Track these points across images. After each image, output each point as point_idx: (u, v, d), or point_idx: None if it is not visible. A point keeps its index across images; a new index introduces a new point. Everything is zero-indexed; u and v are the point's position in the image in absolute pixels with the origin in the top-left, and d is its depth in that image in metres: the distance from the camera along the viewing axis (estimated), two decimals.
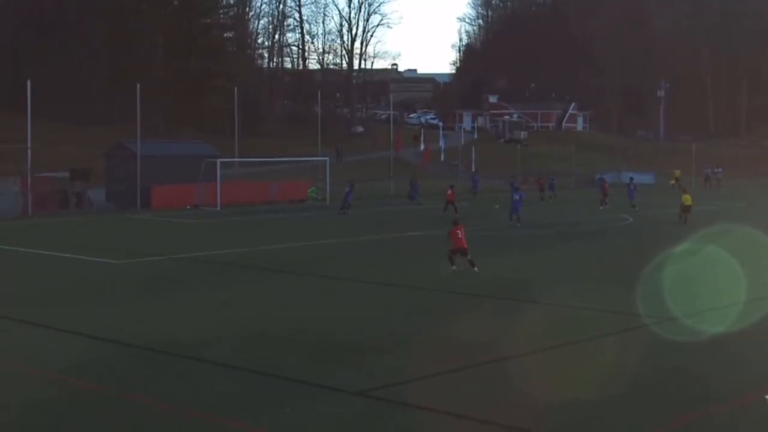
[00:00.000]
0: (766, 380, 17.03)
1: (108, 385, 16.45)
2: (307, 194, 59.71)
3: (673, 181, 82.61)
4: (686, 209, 46.94)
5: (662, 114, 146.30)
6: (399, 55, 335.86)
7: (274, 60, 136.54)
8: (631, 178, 62.32)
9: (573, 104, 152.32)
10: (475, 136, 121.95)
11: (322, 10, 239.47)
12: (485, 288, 27.09)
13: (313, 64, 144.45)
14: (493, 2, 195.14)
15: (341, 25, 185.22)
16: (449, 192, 52.75)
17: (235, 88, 75.72)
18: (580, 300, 24.88)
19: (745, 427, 14.40)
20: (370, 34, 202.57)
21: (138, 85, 59.39)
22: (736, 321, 21.76)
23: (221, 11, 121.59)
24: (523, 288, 27.02)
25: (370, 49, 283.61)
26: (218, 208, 55.89)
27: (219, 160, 59.24)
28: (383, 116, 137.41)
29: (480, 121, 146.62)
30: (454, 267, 29.97)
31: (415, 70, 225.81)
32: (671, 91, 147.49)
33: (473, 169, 76.34)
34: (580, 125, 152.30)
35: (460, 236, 30.34)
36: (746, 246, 36.70)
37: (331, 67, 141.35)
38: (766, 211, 57.26)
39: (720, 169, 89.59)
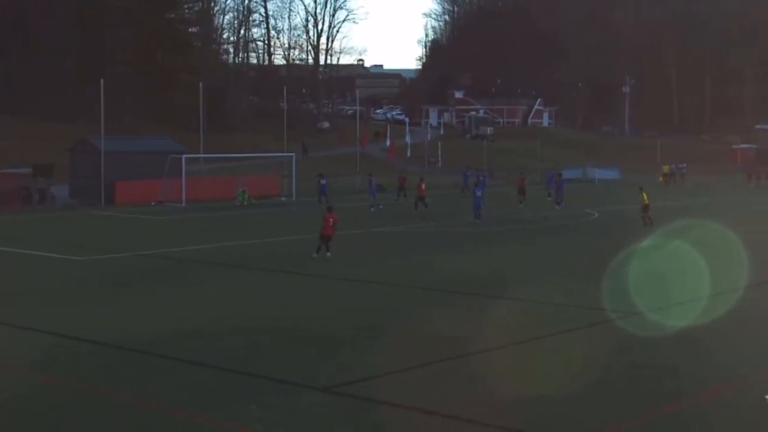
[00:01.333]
0: (733, 374, 17.12)
1: (77, 383, 16.34)
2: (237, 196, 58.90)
3: (661, 178, 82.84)
4: (646, 208, 45.22)
5: (627, 109, 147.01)
6: (365, 50, 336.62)
7: (240, 55, 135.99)
8: (560, 174, 60.85)
9: (539, 100, 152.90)
10: (441, 132, 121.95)
11: (288, 5, 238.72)
12: (453, 284, 27.11)
13: (278, 60, 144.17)
14: None
15: (307, 21, 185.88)
16: (423, 186, 52.24)
17: (201, 84, 75.43)
18: (547, 295, 24.96)
19: (713, 421, 14.47)
20: (336, 29, 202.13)
21: (102, 80, 58.97)
22: (701, 315, 21.90)
23: (186, 6, 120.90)
24: (491, 283, 27.07)
25: (336, 45, 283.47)
26: (183, 204, 55.62)
27: (184, 156, 58.94)
28: (349, 112, 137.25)
29: (446, 117, 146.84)
30: (314, 255, 31.41)
31: (382, 66, 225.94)
32: (636, 87, 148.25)
33: (467, 166, 75.47)
34: (545, 121, 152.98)
35: (331, 223, 31.59)
36: (711, 241, 36.93)
37: (297, 62, 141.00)
38: (730, 206, 57.70)
39: (684, 165, 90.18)
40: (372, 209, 50.54)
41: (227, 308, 23.34)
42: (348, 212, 46.74)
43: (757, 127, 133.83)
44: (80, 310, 23.03)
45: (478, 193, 47.18)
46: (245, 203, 57.51)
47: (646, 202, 44.90)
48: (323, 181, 57.54)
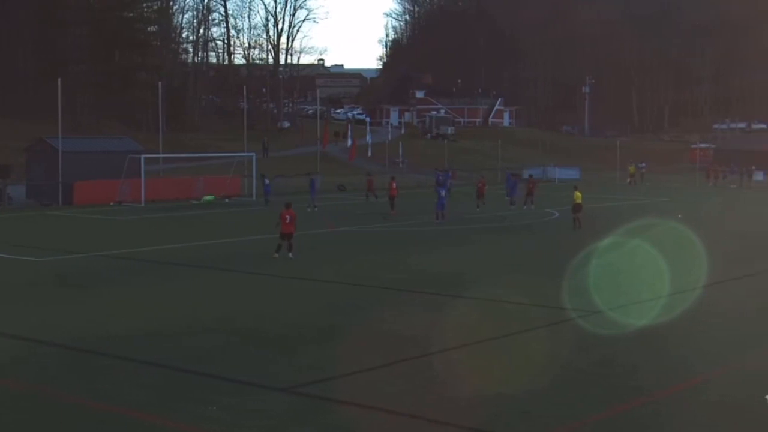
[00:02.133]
0: (692, 372, 17.24)
1: (32, 384, 16.18)
2: (202, 198, 58.40)
3: (629, 179, 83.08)
4: (577, 208, 43.01)
5: (587, 109, 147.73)
6: (326, 50, 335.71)
7: (199, 55, 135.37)
8: (514, 174, 60.57)
9: (499, 100, 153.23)
10: (402, 132, 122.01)
11: (248, 4, 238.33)
12: (415, 283, 27.14)
13: (238, 59, 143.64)
14: None
15: (267, 20, 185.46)
16: (394, 185, 52.01)
17: (160, 83, 75.04)
18: (508, 294, 25.04)
19: (672, 418, 14.56)
20: (296, 29, 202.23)
21: (59, 79, 58.51)
22: (661, 314, 22.05)
23: (145, 5, 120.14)
24: (452, 282, 27.10)
25: (296, 44, 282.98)
26: (143, 204, 55.29)
27: (143, 156, 58.59)
28: (310, 111, 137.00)
29: (407, 116, 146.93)
30: (275, 255, 31.30)
31: (342, 66, 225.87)
32: (596, 87, 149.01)
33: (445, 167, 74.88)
34: (506, 121, 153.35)
35: (288, 221, 31.50)
36: (670, 240, 37.21)
37: (257, 62, 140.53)
38: (689, 205, 58.12)
39: (644, 164, 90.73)
40: (308, 210, 49.86)
41: (186, 309, 23.20)
42: (303, 213, 46.71)
43: (715, 126, 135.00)
44: (36, 312, 22.81)
45: (442, 193, 47.13)
46: (209, 202, 57.28)
47: (578, 201, 43.01)
48: (267, 181, 57.31)
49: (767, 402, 15.16)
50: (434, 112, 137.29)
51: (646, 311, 22.43)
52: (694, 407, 15.03)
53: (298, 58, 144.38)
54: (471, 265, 31.28)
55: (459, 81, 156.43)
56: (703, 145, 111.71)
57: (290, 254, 31.36)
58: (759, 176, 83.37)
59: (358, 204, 55.51)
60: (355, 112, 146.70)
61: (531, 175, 58.07)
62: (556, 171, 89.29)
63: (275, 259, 31.11)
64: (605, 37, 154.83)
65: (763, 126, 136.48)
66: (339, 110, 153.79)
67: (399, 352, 18.40)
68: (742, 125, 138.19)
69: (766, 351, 19.18)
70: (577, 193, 43.31)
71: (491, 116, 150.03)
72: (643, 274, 28.65)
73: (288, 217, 31.69)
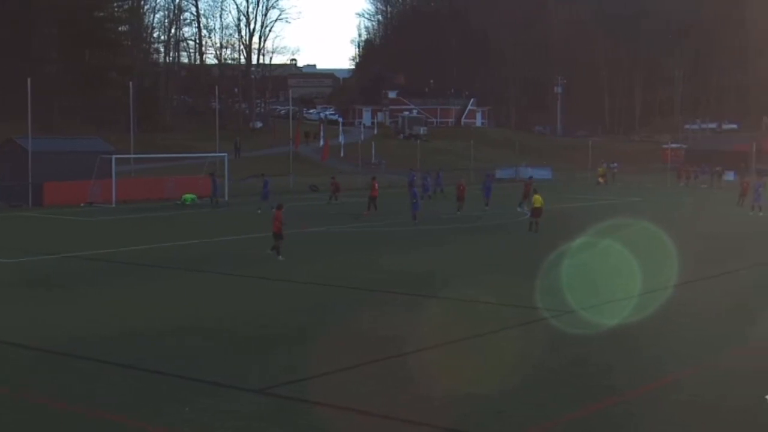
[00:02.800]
0: (663, 371, 17.35)
1: (2, 385, 16.09)
2: (182, 197, 57.81)
3: (600, 179, 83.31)
4: (536, 212, 41.50)
5: (559, 109, 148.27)
6: (298, 50, 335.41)
7: (171, 55, 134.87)
8: (488, 175, 60.45)
9: (472, 100, 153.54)
10: (375, 132, 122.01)
11: (219, 4, 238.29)
12: (389, 283, 27.18)
13: (210, 59, 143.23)
14: None
15: (239, 20, 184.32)
16: (376, 186, 51.88)
17: (131, 83, 74.74)
18: (481, 294, 25.09)
19: (644, 417, 14.65)
20: (268, 29, 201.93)
21: (29, 79, 58.15)
22: (632, 313, 22.19)
23: (115, 4, 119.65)
24: (426, 283, 27.16)
25: (268, 44, 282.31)
26: (113, 205, 55.04)
27: (114, 156, 58.32)
28: (282, 111, 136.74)
29: (380, 116, 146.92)
30: (280, 257, 31.40)
31: (315, 66, 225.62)
32: (569, 87, 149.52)
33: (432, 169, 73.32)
34: (479, 121, 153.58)
35: (281, 220, 31.71)
36: (642, 239, 37.40)
37: (229, 62, 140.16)
38: (661, 205, 58.45)
39: (616, 164, 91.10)
40: (259, 211, 49.56)
41: (159, 310, 23.15)
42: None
43: (687, 126, 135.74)
44: (5, 313, 22.71)
45: (416, 193, 46.66)
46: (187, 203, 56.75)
47: (537, 205, 41.46)
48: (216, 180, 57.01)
49: (767, 402, 15.28)
50: (407, 113, 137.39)
51: (618, 311, 22.57)
52: (665, 407, 15.14)
53: (271, 58, 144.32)
54: (444, 266, 31.33)
55: (431, 81, 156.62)
56: (674, 146, 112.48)
57: (269, 251, 31.81)
58: (729, 176, 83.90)
59: (332, 205, 55.37)
60: (327, 113, 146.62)
61: (530, 177, 57.01)
62: (528, 171, 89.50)
63: (282, 261, 31.13)
64: (578, 38, 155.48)
65: (734, 126, 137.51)
66: (312, 110, 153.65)
67: (372, 352, 18.43)
68: (712, 125, 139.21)
69: (736, 351, 19.34)
70: (537, 197, 41.78)
71: (464, 116, 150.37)
72: (615, 273, 28.79)
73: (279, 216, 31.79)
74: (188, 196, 57.67)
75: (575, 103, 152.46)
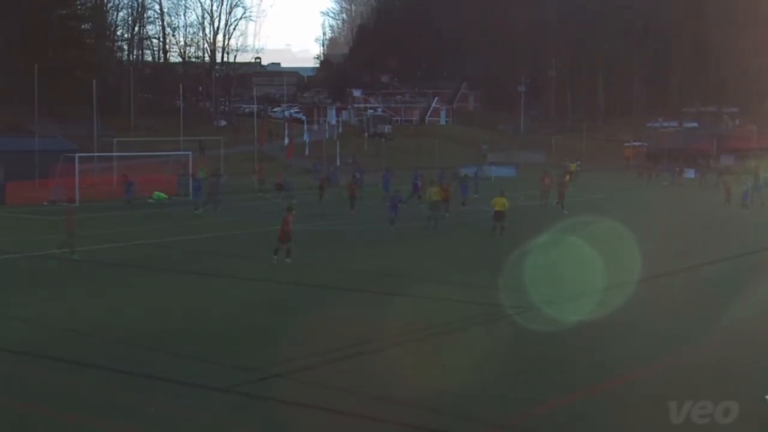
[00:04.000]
0: (625, 368, 17.52)
1: None
2: (153, 195, 57.30)
3: (567, 177, 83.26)
4: (499, 216, 38.97)
5: (522, 108, 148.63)
6: (262, 48, 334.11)
7: (135, 53, 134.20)
8: (466, 174, 60.25)
9: (436, 98, 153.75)
10: (340, 130, 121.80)
11: (183, 2, 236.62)
12: (352, 281, 27.23)
13: (174, 57, 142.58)
14: None
15: (203, 18, 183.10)
16: (354, 185, 51.99)
17: (94, 81, 74.37)
18: (445, 292, 25.21)
19: (607, 411, 14.80)
20: (232, 27, 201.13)
21: None
22: (594, 309, 22.36)
23: (78, 2, 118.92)
24: (389, 281, 27.22)
25: (233, 43, 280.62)
26: (77, 205, 54.67)
27: (77, 155, 58.00)
28: (247, 110, 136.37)
29: (345, 115, 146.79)
30: (288, 260, 30.25)
31: (279, 64, 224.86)
32: (531, 86, 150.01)
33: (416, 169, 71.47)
34: (443, 119, 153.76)
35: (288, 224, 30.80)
36: (604, 236, 37.60)
37: (193, 60, 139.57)
38: (623, 202, 58.84)
39: (578, 162, 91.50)
40: (196, 211, 49.56)
41: (121, 309, 23.08)
42: (248, 211, 46.51)
43: (648, 125, 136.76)
44: None
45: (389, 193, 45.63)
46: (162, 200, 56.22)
47: (499, 209, 39.08)
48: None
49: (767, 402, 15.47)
50: (371, 111, 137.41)
51: (580, 307, 22.74)
52: (626, 403, 15.28)
53: (235, 56, 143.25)
54: (407, 264, 31.37)
55: (396, 79, 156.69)
56: (636, 144, 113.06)
57: (275, 256, 30.72)
58: (690, 174, 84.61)
59: (310, 203, 55.19)
60: (292, 111, 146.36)
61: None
62: (492, 169, 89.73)
63: (280, 263, 30.53)
64: (542, 37, 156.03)
65: (695, 125, 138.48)
66: (276, 109, 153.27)
67: (338, 350, 18.48)
68: (673, 124, 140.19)
69: (697, 347, 19.53)
70: (499, 199, 39.51)
71: (428, 115, 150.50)
72: (577, 269, 28.97)
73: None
74: (160, 195, 57.34)
75: (539, 102, 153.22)
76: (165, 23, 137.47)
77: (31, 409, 14.77)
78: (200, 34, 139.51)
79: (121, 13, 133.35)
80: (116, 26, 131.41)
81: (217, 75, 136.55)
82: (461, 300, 24.12)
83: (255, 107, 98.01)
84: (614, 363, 17.83)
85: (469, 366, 17.37)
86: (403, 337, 19.86)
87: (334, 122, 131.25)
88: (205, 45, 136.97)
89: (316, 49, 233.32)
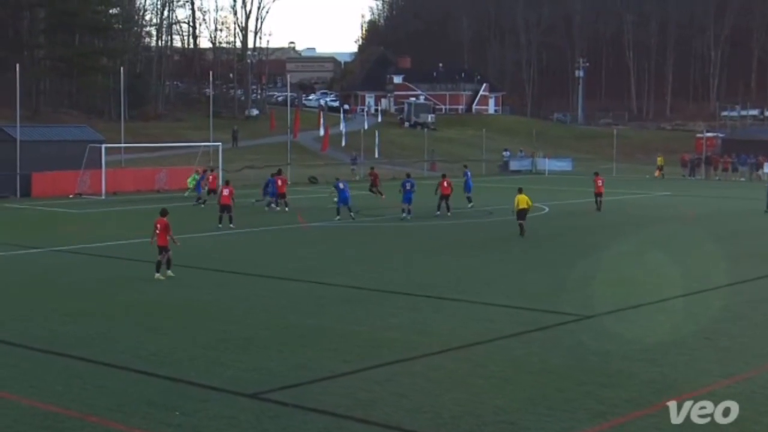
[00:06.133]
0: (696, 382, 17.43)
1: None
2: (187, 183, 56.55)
3: (657, 172, 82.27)
4: (521, 214, 38.99)
5: (581, 95, 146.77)
6: (297, 33, 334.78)
7: (163, 38, 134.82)
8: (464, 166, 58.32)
9: (484, 85, 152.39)
10: (379, 120, 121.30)
11: None
12: (387, 284, 27.34)
13: (204, 43, 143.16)
14: None
15: (234, 1, 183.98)
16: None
17: (122, 68, 74.87)
18: (490, 296, 25.18)
19: None
20: (265, 10, 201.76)
21: (17, 65, 58.33)
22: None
23: None
24: (438, 286, 27.27)
25: (265, 27, 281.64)
26: (103, 197, 55.21)
27: (104, 146, 58.50)
28: (280, 98, 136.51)
29: (384, 103, 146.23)
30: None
31: (314, 49, 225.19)
32: (591, 70, 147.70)
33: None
34: (491, 108, 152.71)
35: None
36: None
37: (224, 45, 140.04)
38: (697, 201, 58.41)
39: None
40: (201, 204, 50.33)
41: (146, 309, 23.30)
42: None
43: (724, 113, 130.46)
44: None
45: (407, 187, 45.74)
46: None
47: (520, 206, 38.87)
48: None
49: None
50: (413, 99, 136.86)
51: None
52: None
53: (268, 41, 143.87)
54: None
55: (440, 65, 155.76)
56: (709, 134, 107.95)
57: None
58: None
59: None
60: (328, 99, 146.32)
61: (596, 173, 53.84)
62: (546, 163, 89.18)
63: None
64: (602, 15, 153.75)
65: None
66: (311, 96, 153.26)
67: (373, 357, 18.53)
68: (754, 112, 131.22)
69: None
70: (521, 197, 39.12)
71: (475, 103, 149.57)
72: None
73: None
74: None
75: (598, 88, 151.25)
76: (195, 6, 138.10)
77: (51, 409, 14.91)
78: (231, 17, 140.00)
79: None
80: (144, 11, 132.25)
81: (249, 61, 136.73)
82: (510, 305, 24.12)
83: (288, 95, 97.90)
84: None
85: (516, 378, 17.35)
86: (449, 344, 19.83)
87: (372, 111, 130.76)
88: (237, 29, 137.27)
89: (355, 33, 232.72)
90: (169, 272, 27.70)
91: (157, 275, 27.52)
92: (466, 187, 51.27)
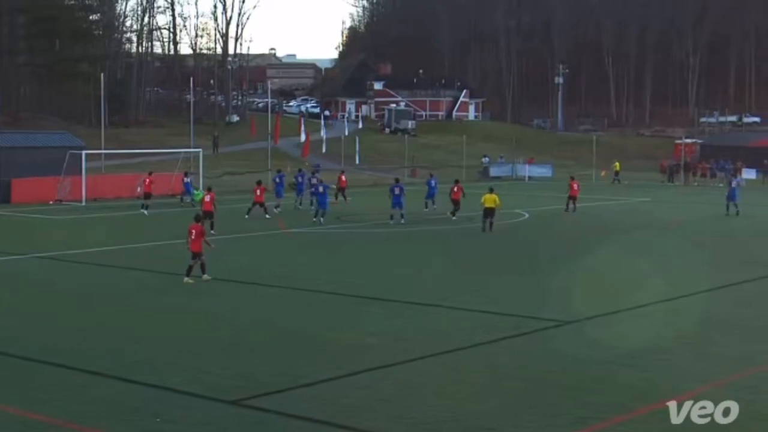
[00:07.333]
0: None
1: None
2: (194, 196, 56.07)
3: (606, 175, 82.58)
4: (489, 213, 40.65)
5: (560, 101, 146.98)
6: (277, 39, 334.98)
7: (144, 44, 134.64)
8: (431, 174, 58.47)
9: (465, 91, 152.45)
10: (360, 126, 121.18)
11: None
12: (381, 289, 27.34)
13: (185, 49, 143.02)
14: None
15: (215, 7, 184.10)
16: (344, 178, 53.88)
17: (102, 75, 74.72)
18: (475, 302, 25.22)
19: None
20: (246, 16, 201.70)
21: None
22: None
23: None
24: (425, 291, 27.29)
25: (246, 33, 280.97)
26: (83, 204, 55.05)
27: (84, 152, 58.34)
28: (261, 104, 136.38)
29: (364, 109, 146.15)
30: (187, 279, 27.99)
31: (295, 56, 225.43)
32: (570, 77, 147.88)
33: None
34: (472, 114, 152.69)
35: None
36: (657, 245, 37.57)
37: (205, 51, 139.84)
38: (672, 207, 58.59)
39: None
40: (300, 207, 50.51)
41: (127, 316, 23.23)
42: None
43: (702, 119, 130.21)
44: None
45: (395, 191, 45.83)
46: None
47: (486, 205, 40.58)
48: (187, 180, 56.78)
49: None
50: (393, 105, 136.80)
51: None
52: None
53: (248, 47, 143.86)
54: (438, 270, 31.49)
55: (421, 71, 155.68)
56: (688, 141, 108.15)
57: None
58: (750, 174, 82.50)
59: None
60: (308, 105, 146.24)
61: (572, 177, 53.94)
62: (526, 169, 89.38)
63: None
64: (581, 22, 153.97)
65: (756, 120, 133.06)
66: (292, 103, 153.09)
67: (353, 363, 18.54)
68: (732, 119, 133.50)
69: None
70: (489, 196, 40.89)
71: (455, 109, 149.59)
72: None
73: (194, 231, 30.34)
74: (198, 193, 55.35)
75: (578, 95, 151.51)
76: (176, 13, 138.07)
77: (34, 418, 14.87)
78: (212, 23, 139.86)
79: (130, 3, 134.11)
80: (125, 17, 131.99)
81: (229, 67, 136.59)
82: (487, 310, 24.14)
83: (269, 101, 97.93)
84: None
85: (497, 384, 17.36)
86: (439, 348, 19.84)
87: (353, 117, 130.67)
88: (217, 35, 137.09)
89: (335, 39, 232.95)
90: (205, 276, 27.73)
91: (187, 279, 27.60)
92: (429, 193, 51.87)
